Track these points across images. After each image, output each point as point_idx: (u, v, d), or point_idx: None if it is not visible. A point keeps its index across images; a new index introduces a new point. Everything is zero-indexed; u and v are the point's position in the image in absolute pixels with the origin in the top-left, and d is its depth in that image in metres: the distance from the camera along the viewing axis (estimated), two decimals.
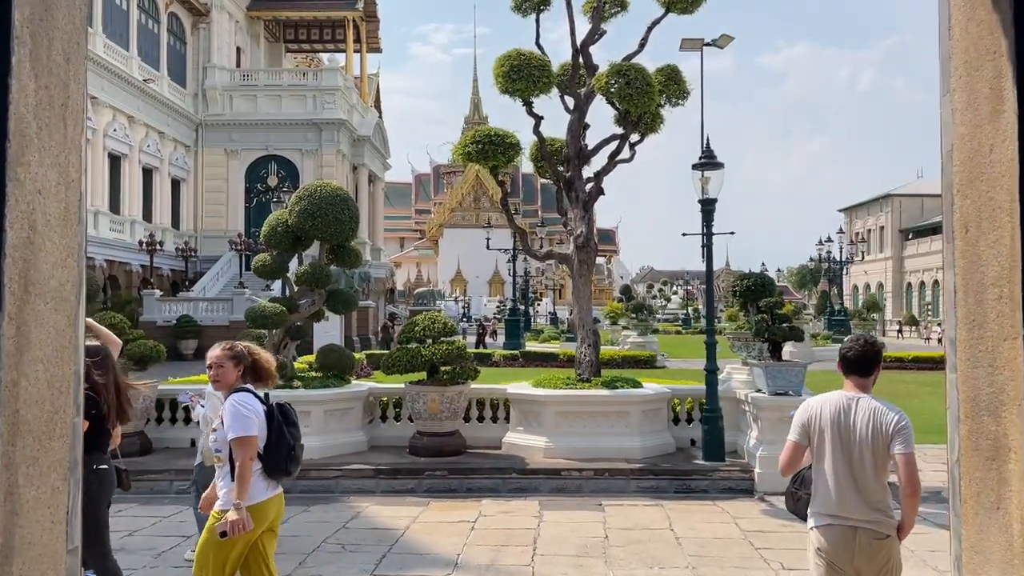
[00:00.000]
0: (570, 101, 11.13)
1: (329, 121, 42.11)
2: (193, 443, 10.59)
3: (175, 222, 41.39)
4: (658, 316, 77.19)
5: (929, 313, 76.82)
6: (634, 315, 29.20)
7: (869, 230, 78.13)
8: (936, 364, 26.26)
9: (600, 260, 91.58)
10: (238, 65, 46.45)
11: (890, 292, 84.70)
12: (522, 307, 40.33)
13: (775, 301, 10.07)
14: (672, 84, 10.56)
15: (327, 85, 42.87)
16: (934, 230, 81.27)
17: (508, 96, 10.41)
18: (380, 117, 54.48)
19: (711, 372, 10.10)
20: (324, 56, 53.55)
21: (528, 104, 10.70)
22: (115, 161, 36.26)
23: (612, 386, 10.42)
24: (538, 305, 73.69)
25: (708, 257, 9.96)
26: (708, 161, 9.89)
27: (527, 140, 11.54)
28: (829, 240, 40.44)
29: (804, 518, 3.80)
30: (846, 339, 3.84)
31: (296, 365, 12.09)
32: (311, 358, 11.65)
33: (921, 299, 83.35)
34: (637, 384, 10.72)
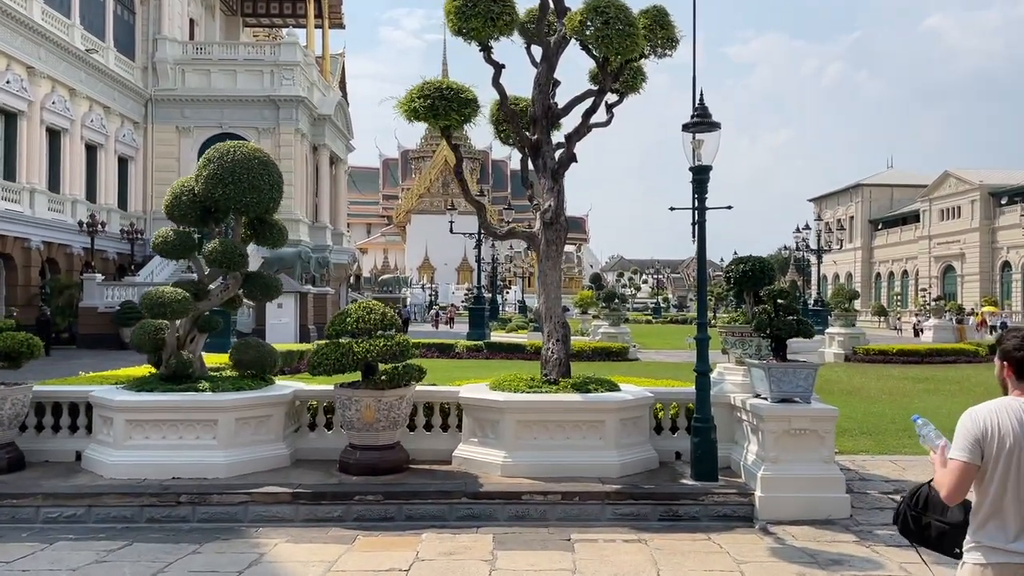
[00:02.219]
0: (537, 52, 9.38)
1: (287, 98, 39.90)
2: (79, 456, 8.75)
3: (122, 202, 38.97)
4: (628, 305, 76.03)
5: (898, 303, 76.53)
6: (606, 304, 27.59)
7: (839, 220, 77.57)
8: (922, 357, 25.03)
9: (570, 248, 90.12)
10: (191, 38, 43.99)
11: (859, 282, 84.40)
12: (489, 295, 38.62)
13: (779, 289, 8.44)
14: (658, 30, 8.84)
15: (285, 60, 40.62)
16: (904, 220, 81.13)
17: (462, 38, 8.62)
18: (345, 98, 52.22)
19: (702, 375, 8.44)
20: (284, 32, 51.18)
21: (486, 49, 8.92)
22: (54, 136, 33.80)
23: (584, 389, 8.73)
24: (507, 293, 72.09)
25: (700, 235, 8.28)
26: (701, 121, 8.20)
27: (490, 102, 9.78)
28: (807, 228, 39.10)
29: (933, 548, 3.38)
30: (1007, 333, 3.23)
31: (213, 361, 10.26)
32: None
33: (890, 289, 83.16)
34: (614, 387, 9.05)
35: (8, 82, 30.28)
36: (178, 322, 8.81)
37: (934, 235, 73.33)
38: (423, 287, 77.19)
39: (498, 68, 9.05)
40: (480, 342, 25.10)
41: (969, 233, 68.34)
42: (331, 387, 8.66)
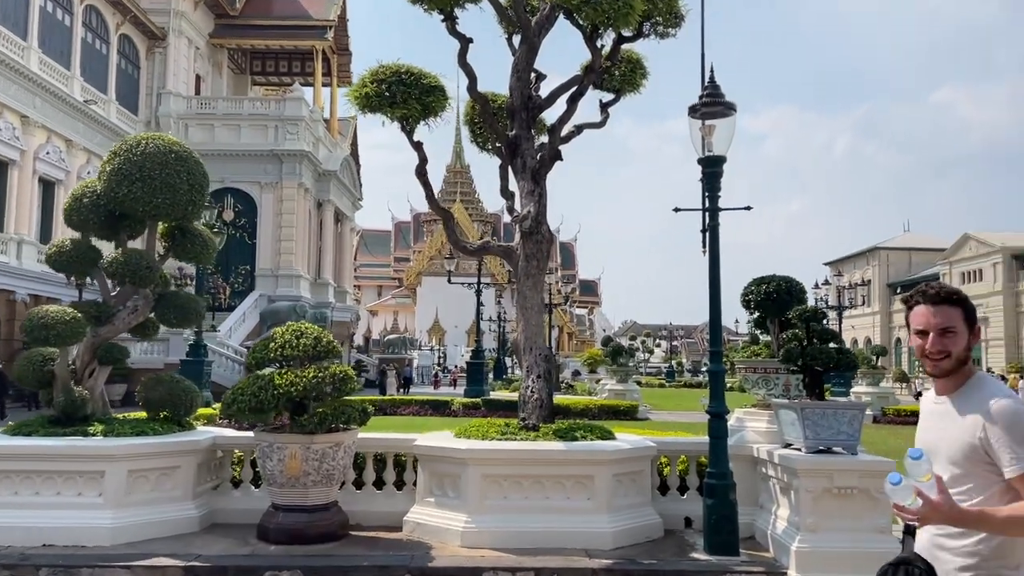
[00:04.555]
0: (516, 38, 7.92)
1: (291, 152, 39.01)
2: None
3: None
4: (641, 369, 73.91)
5: (920, 369, 73.94)
6: (613, 361, 25.77)
7: (855, 284, 75.80)
8: None
9: (582, 311, 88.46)
10: (197, 94, 43.56)
11: (876, 349, 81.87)
12: (494, 354, 36.89)
13: (812, 309, 6.73)
14: (659, 1, 7.36)
15: (290, 115, 39.90)
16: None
17: (421, 6, 7.16)
18: (357, 161, 51.59)
19: (717, 417, 6.69)
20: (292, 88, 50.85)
21: (449, 19, 7.45)
22: (48, 187, 32.85)
23: (570, 437, 6.98)
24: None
25: (712, 240, 6.61)
26: (712, 102, 6.64)
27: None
28: (826, 283, 37.32)
29: None
30: None
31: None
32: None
33: (910, 355, 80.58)
34: (607, 435, 7.29)
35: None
36: (74, 351, 7.18)
37: None
38: (432, 349, 75.60)
39: (465, 42, 7.57)
40: (478, 399, 23.29)
41: (992, 296, 66.15)
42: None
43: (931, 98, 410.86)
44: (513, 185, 8.11)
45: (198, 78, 44.63)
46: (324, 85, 48.29)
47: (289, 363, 6.73)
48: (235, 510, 7.36)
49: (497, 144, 8.19)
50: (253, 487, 7.53)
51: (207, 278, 34.15)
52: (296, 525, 6.49)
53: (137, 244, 7.73)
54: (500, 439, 6.94)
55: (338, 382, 6.54)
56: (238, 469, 7.71)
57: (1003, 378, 47.54)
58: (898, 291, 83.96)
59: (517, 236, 7.82)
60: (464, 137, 9.03)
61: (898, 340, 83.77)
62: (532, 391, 7.48)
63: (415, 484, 7.29)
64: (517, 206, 7.98)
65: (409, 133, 7.73)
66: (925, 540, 2.44)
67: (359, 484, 7.56)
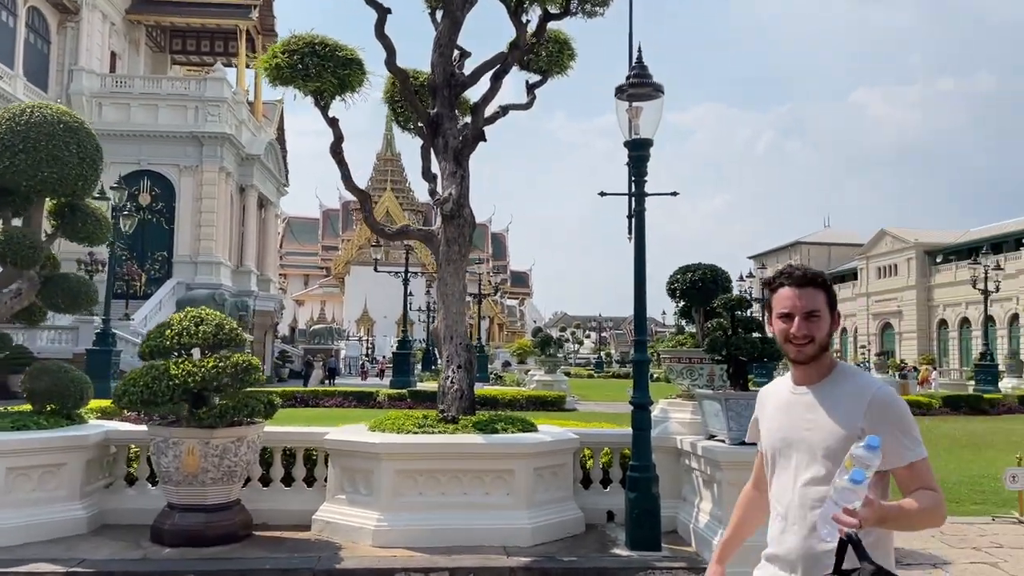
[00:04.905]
0: (439, 15, 7.55)
1: (212, 135, 37.61)
2: None
3: None
4: (570, 360, 74.31)
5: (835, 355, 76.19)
6: (542, 352, 25.65)
7: None
8: None
9: (512, 302, 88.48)
10: (112, 72, 41.63)
11: None
12: (422, 344, 36.40)
13: (737, 298, 6.59)
14: None
15: (211, 96, 38.44)
16: (842, 278, 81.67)
17: None
18: (283, 146, 50.19)
19: (640, 407, 6.50)
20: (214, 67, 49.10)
21: None
22: None
23: (490, 429, 6.69)
24: None
25: (638, 226, 6.39)
26: (640, 83, 6.41)
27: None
28: (751, 276, 38.02)
29: None
30: None
31: None
32: None
33: (830, 346, 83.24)
34: (529, 427, 7.03)
35: None
36: None
37: (872, 293, 73.71)
38: (360, 340, 74.50)
39: (382, 12, 7.15)
40: (404, 390, 22.83)
41: (906, 291, 68.75)
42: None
43: (849, 98, 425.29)
44: (436, 167, 7.76)
45: (113, 55, 42.68)
46: (249, 67, 46.81)
47: (188, 351, 6.25)
48: (130, 510, 6.83)
49: (419, 124, 7.82)
50: (150, 485, 7.01)
51: (120, 264, 32.70)
52: (193, 526, 6.03)
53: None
54: (417, 432, 6.60)
55: (241, 372, 6.10)
56: (135, 465, 7.18)
57: (915, 369, 49.37)
58: None
59: (438, 220, 7.48)
60: (394, 124, 8.63)
61: None
62: (452, 382, 7.16)
63: (327, 480, 6.90)
64: (439, 189, 7.63)
65: (324, 109, 7.29)
66: (797, 541, 2.21)
67: (266, 481, 7.12)
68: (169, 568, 5.62)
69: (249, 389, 6.36)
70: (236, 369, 6.05)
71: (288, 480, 7.13)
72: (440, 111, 7.32)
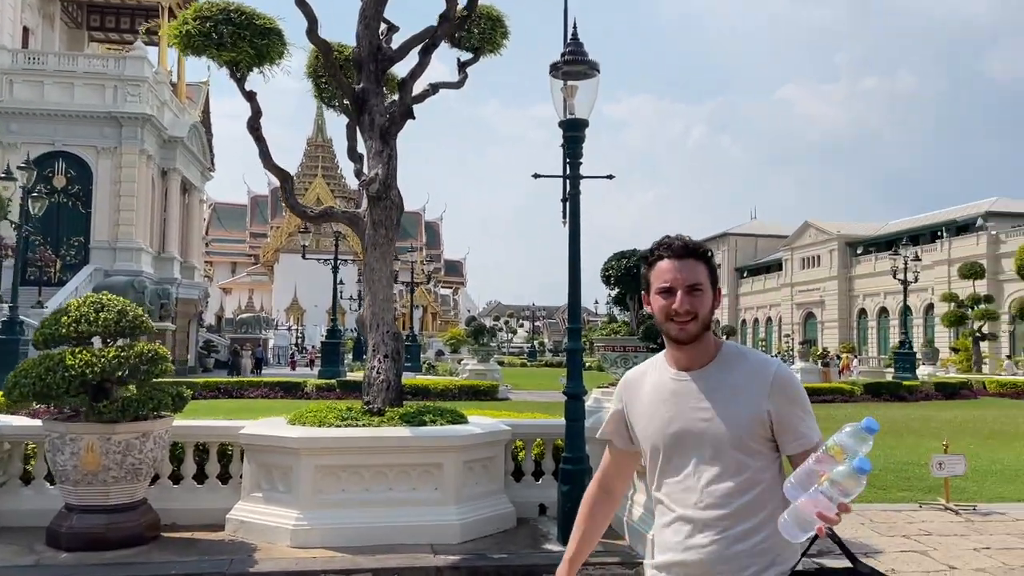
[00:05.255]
0: None
1: (132, 115, 36.03)
2: None
3: None
4: (504, 349, 74.32)
5: (763, 349, 78.38)
6: (475, 341, 25.39)
7: None
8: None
9: (446, 291, 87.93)
10: (25, 47, 39.51)
11: (725, 329, 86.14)
12: (354, 333, 35.73)
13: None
14: None
15: (131, 75, 36.83)
16: (768, 268, 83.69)
17: None
18: (209, 130, 48.51)
19: (574, 397, 6.28)
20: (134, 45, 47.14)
21: None
22: None
23: (417, 421, 6.38)
24: None
25: (573, 210, 6.16)
26: (575, 60, 6.17)
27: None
28: None
29: None
30: None
31: None
32: None
33: (755, 335, 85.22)
34: (459, 418, 6.74)
35: None
36: None
37: (796, 283, 75.66)
38: (290, 329, 73.04)
39: None
40: (333, 380, 22.31)
41: (828, 281, 70.79)
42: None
43: (777, 94, 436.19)
44: (362, 147, 7.38)
45: (26, 30, 40.57)
46: (172, 45, 45.08)
47: (87, 340, 5.76)
48: (26, 511, 6.30)
49: (344, 101, 7.43)
50: (48, 484, 6.48)
51: (33, 249, 31.13)
52: (94, 528, 5.57)
53: None
54: (339, 425, 6.25)
55: (146, 362, 5.64)
56: (33, 463, 6.63)
57: (837, 357, 50.89)
58: (745, 274, 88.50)
59: (364, 202, 7.11)
60: (328, 111, 8.20)
61: (743, 322, 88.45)
62: (378, 372, 6.82)
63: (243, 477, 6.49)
64: (366, 170, 7.25)
65: (240, 81, 6.83)
66: (710, 544, 1.97)
67: (177, 478, 6.67)
68: (64, 575, 5.15)
69: (159, 380, 5.91)
70: (141, 359, 5.59)
71: (201, 477, 6.70)
72: (366, 86, 6.94)
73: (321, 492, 5.94)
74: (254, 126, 6.93)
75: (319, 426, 6.23)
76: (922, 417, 18.96)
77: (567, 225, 6.29)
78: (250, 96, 6.92)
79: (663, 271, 2.06)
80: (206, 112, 53.08)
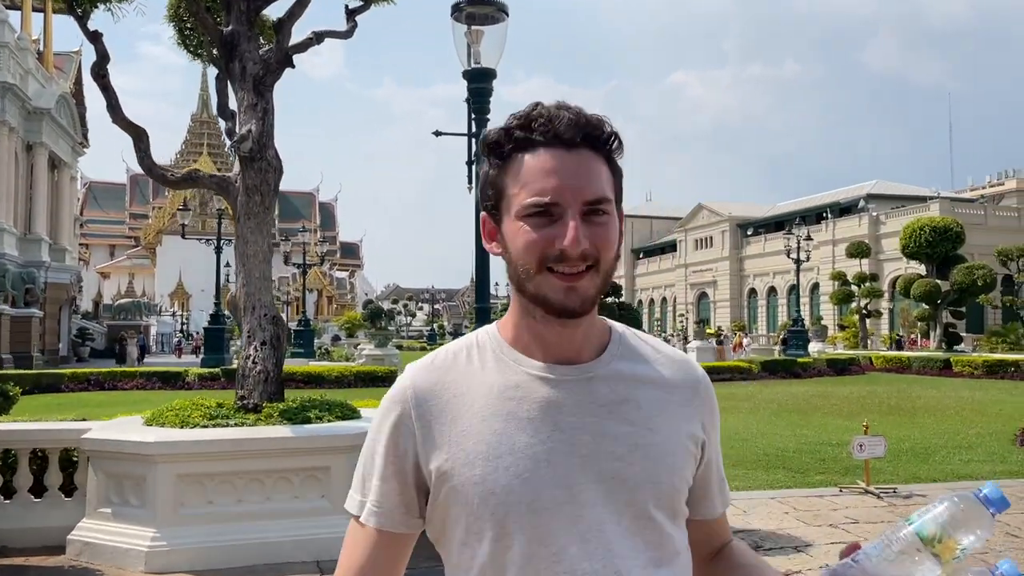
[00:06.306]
0: None
1: None
2: None
3: None
4: (403, 333, 73.13)
5: (659, 329, 79.94)
6: (372, 325, 24.34)
7: None
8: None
9: (343, 274, 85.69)
10: None
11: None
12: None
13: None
14: None
15: None
16: (663, 250, 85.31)
17: None
18: (82, 102, 44.99)
19: None
20: None
21: None
22: None
23: (301, 418, 5.50)
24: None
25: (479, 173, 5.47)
26: (480, 1, 5.37)
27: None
28: None
29: None
30: None
31: None
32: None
33: (651, 315, 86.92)
34: (350, 413, 5.90)
35: None
36: None
37: (690, 264, 77.38)
38: (174, 315, 69.57)
39: None
40: (217, 369, 20.85)
41: (720, 262, 72.70)
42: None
43: (668, 80, 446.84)
44: (234, 103, 6.37)
45: None
46: (37, 10, 41.47)
47: None
48: None
49: (213, 49, 6.39)
50: None
51: None
52: None
53: None
54: (206, 426, 5.30)
55: None
56: None
57: (732, 334, 52.22)
58: (641, 256, 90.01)
59: (236, 166, 6.13)
60: (211, 82, 7.13)
61: (639, 302, 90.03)
62: (255, 362, 5.88)
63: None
64: (238, 127, 6.25)
65: (81, 19, 5.72)
66: None
67: (9, 492, 5.57)
68: None
69: None
70: None
71: (39, 490, 5.62)
72: (235, 28, 5.94)
73: (183, 506, 4.99)
74: (100, 72, 5.82)
75: (181, 427, 5.27)
76: (821, 394, 19.23)
77: (473, 191, 5.52)
78: (95, 37, 5.80)
79: (535, 171, 1.03)
80: (79, 84, 49.31)
